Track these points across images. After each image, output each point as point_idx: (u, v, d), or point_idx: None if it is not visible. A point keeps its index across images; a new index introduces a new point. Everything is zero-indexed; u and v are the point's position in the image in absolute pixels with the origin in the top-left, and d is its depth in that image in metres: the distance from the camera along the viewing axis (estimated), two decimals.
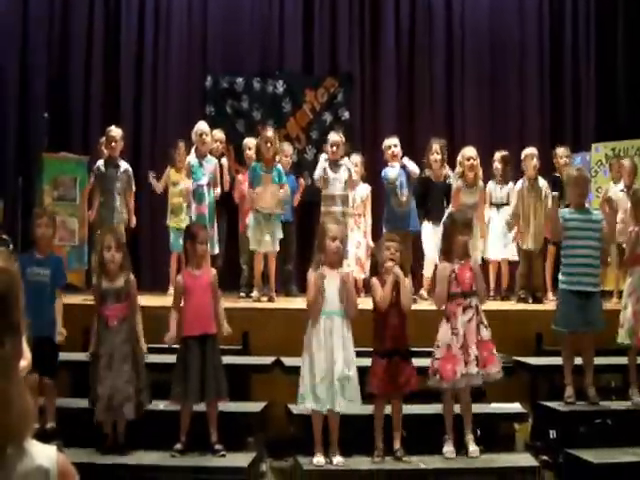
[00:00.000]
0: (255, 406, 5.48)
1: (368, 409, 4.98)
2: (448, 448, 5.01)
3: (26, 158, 9.18)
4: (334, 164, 7.53)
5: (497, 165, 8.25)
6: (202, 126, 7.56)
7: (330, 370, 4.75)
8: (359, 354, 4.95)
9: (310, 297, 4.86)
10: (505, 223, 7.99)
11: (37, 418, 1.88)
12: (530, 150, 7.93)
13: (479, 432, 5.19)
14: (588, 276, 5.51)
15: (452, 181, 7.75)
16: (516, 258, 8.04)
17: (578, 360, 5.56)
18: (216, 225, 7.46)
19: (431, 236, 7.59)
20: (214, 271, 5.27)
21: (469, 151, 7.75)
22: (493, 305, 7.20)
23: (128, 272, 5.08)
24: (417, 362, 5.10)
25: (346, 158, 7.69)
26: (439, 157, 7.86)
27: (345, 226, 6.07)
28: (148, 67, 9.85)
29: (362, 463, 4.91)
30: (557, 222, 5.61)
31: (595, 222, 5.60)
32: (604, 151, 9.12)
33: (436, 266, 5.82)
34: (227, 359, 5.27)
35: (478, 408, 5.30)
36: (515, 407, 5.69)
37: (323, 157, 7.64)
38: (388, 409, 5.02)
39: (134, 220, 7.50)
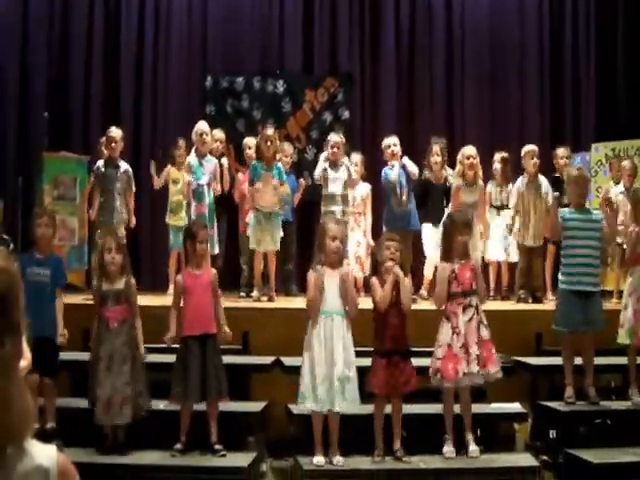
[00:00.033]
0: (255, 406, 5.48)
1: (368, 409, 4.97)
2: (448, 448, 5.01)
3: (26, 158, 9.18)
4: (334, 163, 7.54)
5: (497, 166, 8.25)
6: (202, 126, 7.57)
7: (330, 370, 4.75)
8: (359, 354, 4.95)
9: (310, 297, 4.87)
10: (505, 226, 8.00)
11: (37, 418, 1.87)
12: (530, 147, 7.93)
13: (479, 432, 5.20)
14: (588, 276, 5.51)
15: (452, 180, 7.75)
16: (516, 259, 8.03)
17: (578, 360, 5.56)
18: (216, 225, 7.47)
19: (431, 236, 7.59)
20: (214, 271, 5.27)
21: (469, 150, 7.75)
22: (493, 305, 7.20)
23: (129, 274, 5.07)
24: (417, 362, 5.10)
25: (346, 157, 7.69)
26: (439, 159, 7.85)
27: (345, 226, 6.07)
28: (148, 67, 9.84)
29: (362, 463, 4.91)
30: (557, 221, 5.62)
31: (595, 222, 5.60)
32: (604, 151, 9.12)
33: (436, 267, 5.82)
34: (227, 359, 5.26)
35: (478, 408, 5.30)
36: (515, 407, 5.69)
37: (323, 156, 7.65)
38: (388, 409, 5.02)
39: (134, 220, 7.51)
